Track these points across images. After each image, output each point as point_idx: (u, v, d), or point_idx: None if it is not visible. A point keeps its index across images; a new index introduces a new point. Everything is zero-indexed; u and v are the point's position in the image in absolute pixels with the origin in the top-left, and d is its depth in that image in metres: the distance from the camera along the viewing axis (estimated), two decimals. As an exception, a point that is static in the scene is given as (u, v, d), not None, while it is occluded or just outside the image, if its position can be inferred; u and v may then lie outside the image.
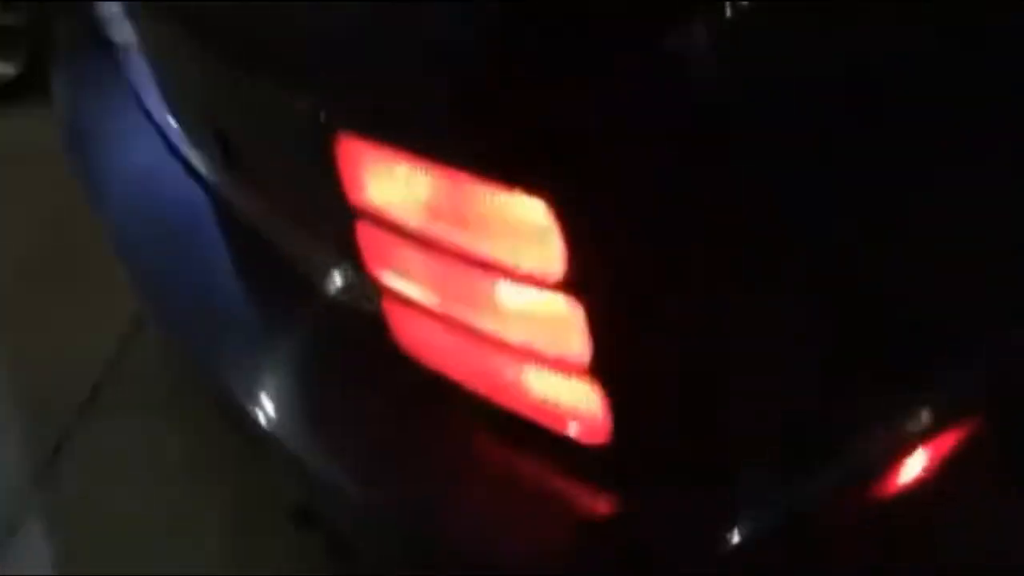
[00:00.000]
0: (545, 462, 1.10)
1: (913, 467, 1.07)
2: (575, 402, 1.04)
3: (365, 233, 1.15)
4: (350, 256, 1.19)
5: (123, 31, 1.91)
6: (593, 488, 1.07)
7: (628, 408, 1.01)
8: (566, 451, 1.07)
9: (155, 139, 1.74)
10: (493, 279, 1.03)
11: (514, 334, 1.05)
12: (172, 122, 1.64)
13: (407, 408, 1.22)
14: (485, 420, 1.14)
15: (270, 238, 1.45)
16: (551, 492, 1.09)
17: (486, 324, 1.07)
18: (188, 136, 1.61)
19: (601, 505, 1.07)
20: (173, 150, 1.68)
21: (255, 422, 1.32)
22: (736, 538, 1.02)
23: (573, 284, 0.96)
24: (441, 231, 1.05)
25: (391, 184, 1.09)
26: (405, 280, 1.14)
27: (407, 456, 1.20)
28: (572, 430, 1.06)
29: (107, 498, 2.02)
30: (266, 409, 1.33)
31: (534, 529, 1.08)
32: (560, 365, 1.03)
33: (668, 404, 1.02)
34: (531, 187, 0.93)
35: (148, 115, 1.78)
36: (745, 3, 0.89)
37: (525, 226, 0.96)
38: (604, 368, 0.99)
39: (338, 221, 1.18)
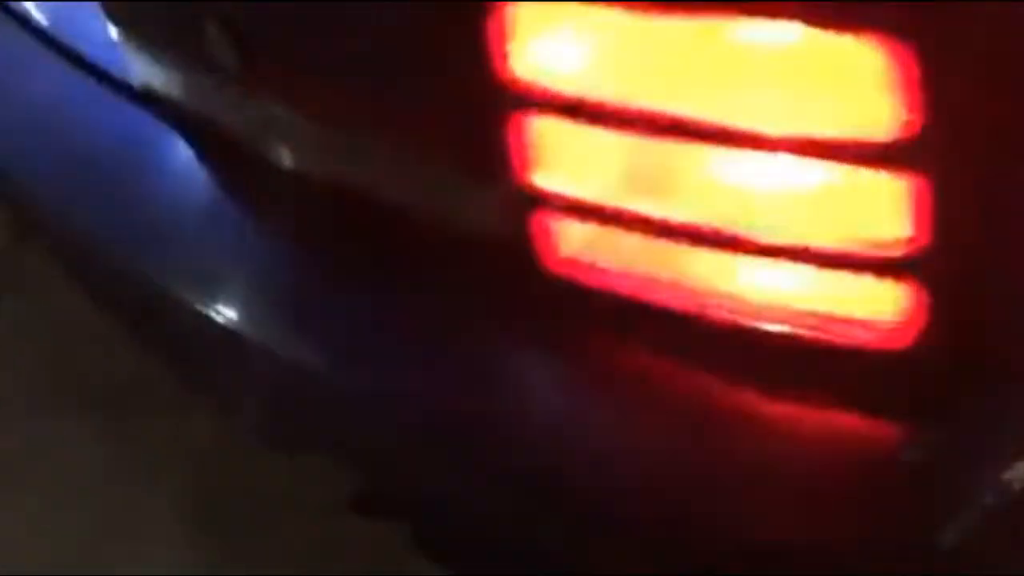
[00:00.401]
0: (788, 392, 0.89)
1: None
2: (864, 302, 0.85)
3: (522, 126, 0.90)
4: (472, 162, 0.96)
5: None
6: (880, 417, 0.86)
7: (952, 309, 0.82)
8: (827, 373, 0.87)
9: (51, 63, 1.45)
10: (760, 156, 0.82)
11: (782, 225, 0.85)
12: (112, 34, 1.34)
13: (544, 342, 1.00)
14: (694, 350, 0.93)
15: (270, 153, 1.19)
16: (810, 432, 0.88)
17: (734, 219, 0.86)
18: (140, 47, 1.31)
19: (892, 436, 0.86)
20: (93, 69, 1.40)
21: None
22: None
23: (909, 155, 0.77)
24: (679, 101, 0.82)
25: (591, 51, 0.85)
26: (587, 180, 0.92)
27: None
28: (858, 338, 0.85)
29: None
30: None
31: (789, 489, 0.87)
32: (852, 258, 0.83)
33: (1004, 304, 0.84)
34: (872, 30, 0.74)
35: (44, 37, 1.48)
36: None
37: (845, 81, 0.77)
38: (930, 259, 0.80)
39: (459, 116, 0.94)
